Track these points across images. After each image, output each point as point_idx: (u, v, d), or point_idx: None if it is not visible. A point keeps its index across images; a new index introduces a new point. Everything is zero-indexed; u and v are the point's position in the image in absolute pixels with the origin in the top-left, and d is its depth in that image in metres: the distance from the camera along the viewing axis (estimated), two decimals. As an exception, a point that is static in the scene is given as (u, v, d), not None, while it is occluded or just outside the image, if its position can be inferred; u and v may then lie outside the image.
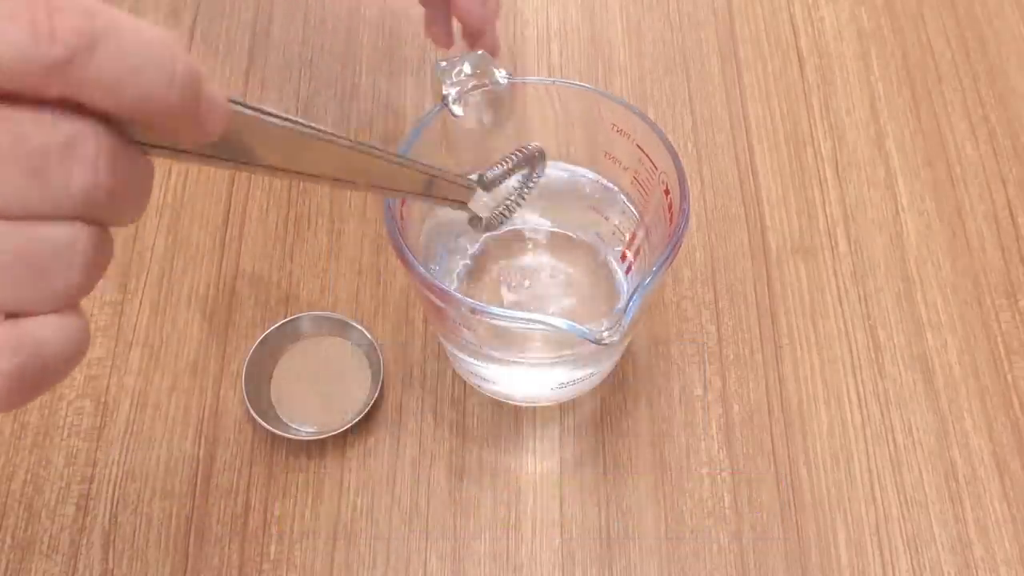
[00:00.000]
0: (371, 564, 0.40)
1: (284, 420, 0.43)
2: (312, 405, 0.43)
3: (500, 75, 0.39)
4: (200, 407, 0.43)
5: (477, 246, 0.44)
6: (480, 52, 0.38)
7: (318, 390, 0.44)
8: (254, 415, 0.41)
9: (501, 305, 0.41)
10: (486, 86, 0.39)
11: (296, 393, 0.43)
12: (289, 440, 0.42)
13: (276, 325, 0.44)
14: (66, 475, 0.42)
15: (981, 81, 0.52)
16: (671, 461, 0.42)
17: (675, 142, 0.39)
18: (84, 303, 0.46)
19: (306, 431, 0.42)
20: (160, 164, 0.49)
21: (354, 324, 0.44)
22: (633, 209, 0.42)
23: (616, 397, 0.44)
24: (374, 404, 0.42)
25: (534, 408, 0.43)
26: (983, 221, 0.48)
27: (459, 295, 0.35)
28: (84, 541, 0.41)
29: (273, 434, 0.42)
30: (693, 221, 0.48)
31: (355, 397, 0.43)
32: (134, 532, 0.41)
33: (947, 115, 0.51)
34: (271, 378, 0.44)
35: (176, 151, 0.22)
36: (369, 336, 0.43)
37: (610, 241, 0.43)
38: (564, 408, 0.44)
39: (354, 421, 0.42)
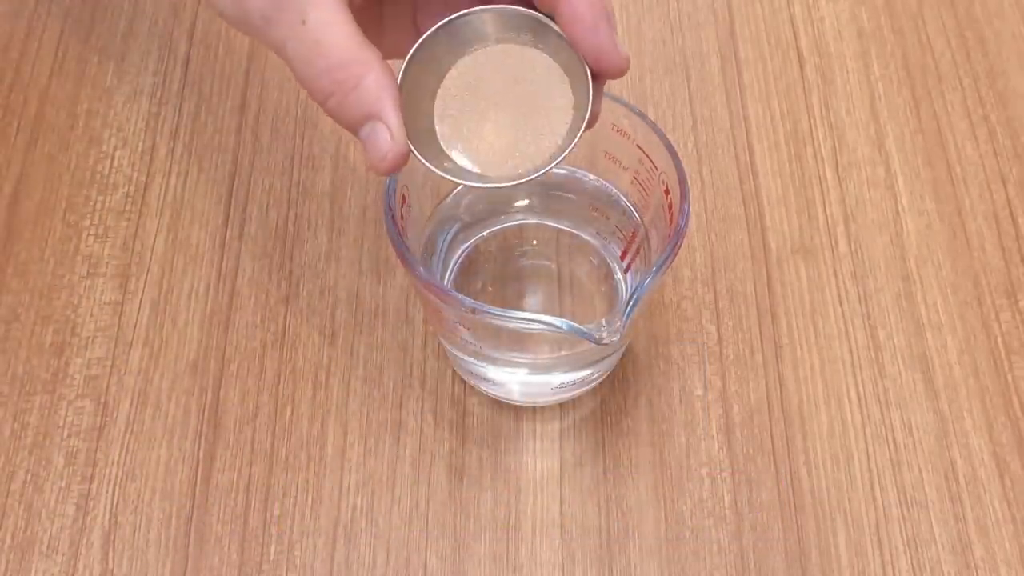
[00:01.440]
0: (371, 564, 0.40)
1: (448, 154, 0.32)
2: (489, 136, 0.32)
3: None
4: (200, 407, 0.43)
5: (473, 243, 0.44)
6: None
7: (498, 115, 0.32)
8: (414, 152, 0.30)
9: (501, 302, 0.41)
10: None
11: (467, 120, 0.32)
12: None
13: (442, 23, 0.31)
14: (66, 475, 0.42)
15: (981, 81, 0.52)
16: (671, 461, 0.42)
17: (675, 142, 0.39)
18: (84, 302, 0.46)
19: (477, 174, 0.31)
20: (159, 164, 0.49)
21: (550, 25, 0.31)
22: (633, 209, 0.42)
23: (616, 397, 0.44)
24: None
25: (534, 408, 0.43)
26: (983, 221, 0.48)
27: (459, 295, 0.35)
28: (84, 541, 0.41)
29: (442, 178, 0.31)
30: (693, 221, 0.48)
31: (551, 129, 0.31)
32: (134, 532, 0.41)
33: (947, 115, 0.51)
34: (434, 96, 0.32)
35: None
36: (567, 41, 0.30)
37: (610, 241, 0.43)
38: (564, 408, 0.44)
39: (554, 163, 0.30)
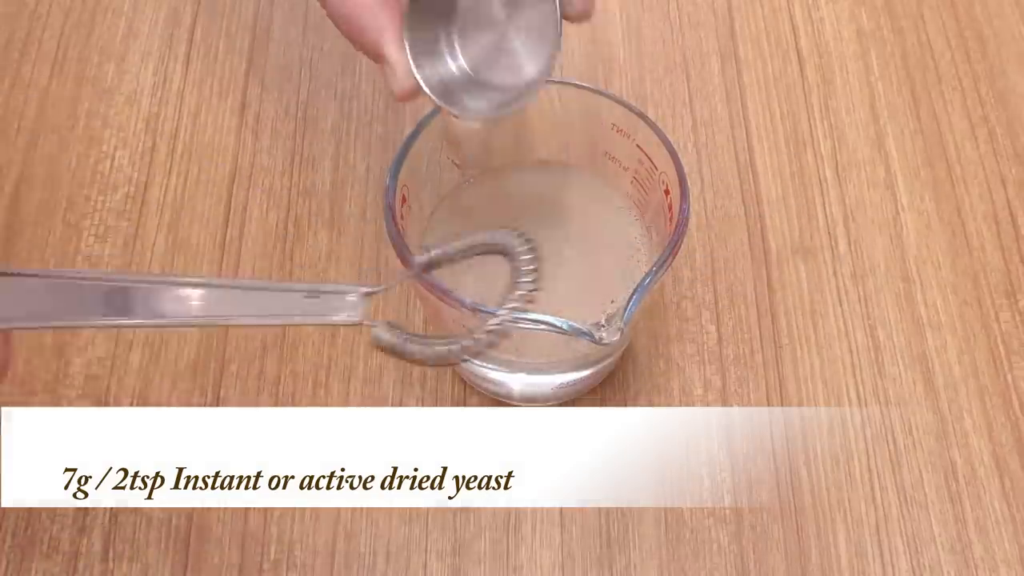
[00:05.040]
0: (371, 564, 0.40)
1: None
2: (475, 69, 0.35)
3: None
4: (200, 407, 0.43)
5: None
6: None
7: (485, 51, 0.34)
8: (422, 85, 0.33)
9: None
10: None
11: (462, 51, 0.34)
12: None
13: None
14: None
15: (981, 81, 0.52)
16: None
17: (675, 142, 0.39)
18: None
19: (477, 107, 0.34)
20: (159, 164, 0.49)
21: None
22: (633, 209, 0.42)
23: (616, 397, 0.44)
24: None
25: (534, 408, 0.43)
26: (983, 221, 0.48)
27: (459, 295, 0.35)
28: (84, 541, 0.41)
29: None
30: (693, 221, 0.48)
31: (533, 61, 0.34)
32: (134, 532, 0.41)
33: (947, 115, 0.51)
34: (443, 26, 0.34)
35: None
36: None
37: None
38: (564, 408, 0.44)
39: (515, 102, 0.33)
